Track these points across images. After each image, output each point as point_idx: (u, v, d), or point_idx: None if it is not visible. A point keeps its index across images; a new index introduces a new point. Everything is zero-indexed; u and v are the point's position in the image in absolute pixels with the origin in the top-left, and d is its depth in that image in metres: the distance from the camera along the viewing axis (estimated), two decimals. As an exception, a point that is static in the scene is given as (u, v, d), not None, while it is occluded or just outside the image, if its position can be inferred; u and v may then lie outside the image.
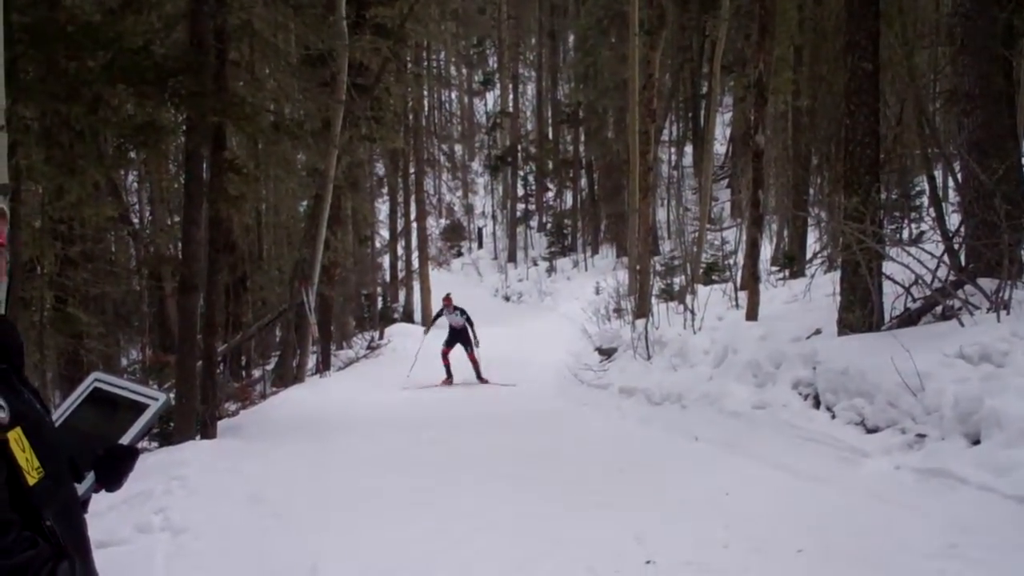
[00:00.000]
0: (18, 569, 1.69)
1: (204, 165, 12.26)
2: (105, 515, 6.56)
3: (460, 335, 18.35)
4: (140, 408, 2.38)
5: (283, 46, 17.75)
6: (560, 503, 7.27)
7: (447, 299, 18.72)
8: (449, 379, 18.14)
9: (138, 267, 21.82)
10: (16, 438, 1.83)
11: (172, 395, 10.48)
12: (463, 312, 18.29)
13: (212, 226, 12.88)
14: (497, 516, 6.93)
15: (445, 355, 18.26)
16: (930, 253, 9.84)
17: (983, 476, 6.07)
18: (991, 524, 5.51)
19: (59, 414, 2.32)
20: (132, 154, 13.79)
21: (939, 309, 9.23)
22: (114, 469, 2.29)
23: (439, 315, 19.10)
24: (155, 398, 2.43)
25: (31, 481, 1.83)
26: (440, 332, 19.19)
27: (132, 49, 10.43)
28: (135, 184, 27.03)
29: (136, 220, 25.18)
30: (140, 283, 21.63)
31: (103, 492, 2.33)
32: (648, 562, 5.50)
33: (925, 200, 18.35)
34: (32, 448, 1.87)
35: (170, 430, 11.52)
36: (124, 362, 23.63)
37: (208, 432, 11.72)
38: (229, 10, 12.42)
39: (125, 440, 2.33)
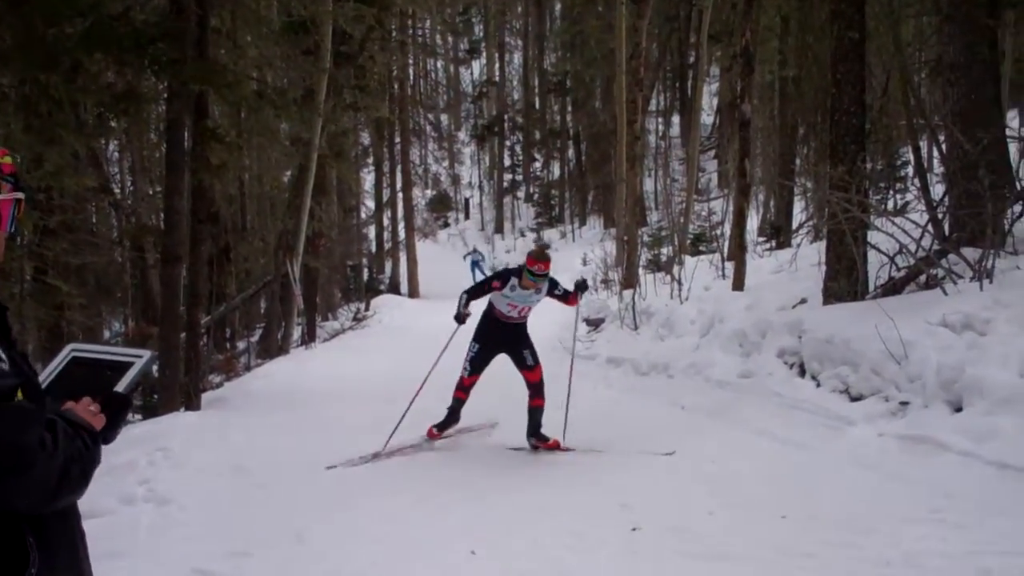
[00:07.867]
0: None
1: (186, 134, 12.15)
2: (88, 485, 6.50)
3: (513, 336, 8.63)
4: (125, 367, 2.35)
5: (265, 13, 17.58)
6: (545, 471, 7.29)
7: (540, 259, 8.22)
8: (452, 421, 8.84)
9: (120, 238, 21.66)
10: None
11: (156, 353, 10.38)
12: (554, 283, 8.45)
13: (195, 196, 12.75)
14: (481, 486, 6.94)
15: (467, 386, 8.74)
16: (914, 223, 9.88)
17: (965, 443, 6.14)
18: (972, 489, 5.57)
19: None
20: (113, 123, 13.66)
21: (923, 278, 9.27)
22: (108, 417, 2.25)
23: (490, 283, 8.58)
24: (140, 355, 2.39)
25: None
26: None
27: (111, 15, 10.31)
28: (116, 153, 26.77)
29: (118, 190, 24.95)
30: (122, 254, 21.47)
31: None
32: (634, 528, 5.52)
33: (910, 170, 18.41)
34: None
35: (154, 403, 11.46)
36: (107, 334, 23.52)
37: (192, 404, 11.66)
38: (210, -24, 12.27)
39: (119, 389, 2.29)
